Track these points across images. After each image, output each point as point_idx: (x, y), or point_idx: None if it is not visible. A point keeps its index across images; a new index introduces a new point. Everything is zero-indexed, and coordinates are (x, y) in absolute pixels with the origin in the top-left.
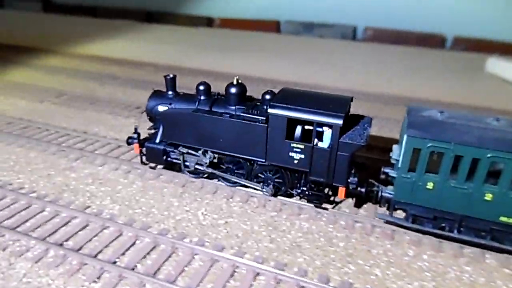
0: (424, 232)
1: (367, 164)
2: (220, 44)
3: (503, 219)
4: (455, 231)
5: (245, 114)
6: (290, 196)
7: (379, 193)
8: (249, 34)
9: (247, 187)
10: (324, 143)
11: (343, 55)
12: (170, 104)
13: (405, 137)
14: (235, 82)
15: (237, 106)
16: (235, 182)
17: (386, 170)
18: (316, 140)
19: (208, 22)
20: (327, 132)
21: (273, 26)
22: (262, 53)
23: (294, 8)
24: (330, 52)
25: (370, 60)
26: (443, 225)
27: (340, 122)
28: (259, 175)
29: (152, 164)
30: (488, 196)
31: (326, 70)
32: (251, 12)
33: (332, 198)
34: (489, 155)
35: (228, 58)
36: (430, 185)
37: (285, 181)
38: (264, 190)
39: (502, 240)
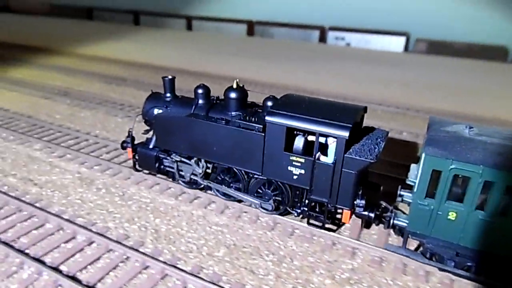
0: (444, 270)
1: (380, 184)
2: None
3: None
4: (483, 274)
5: (241, 121)
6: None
7: (391, 220)
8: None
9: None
10: (329, 158)
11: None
12: (166, 107)
13: (423, 156)
14: (234, 86)
15: (236, 112)
16: (231, 196)
17: (403, 192)
18: (319, 153)
19: None
20: (332, 145)
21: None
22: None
23: None
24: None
25: None
26: (469, 264)
27: (346, 134)
28: (258, 190)
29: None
30: None
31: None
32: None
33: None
34: None
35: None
36: (452, 216)
37: (284, 199)
38: (262, 207)
39: None
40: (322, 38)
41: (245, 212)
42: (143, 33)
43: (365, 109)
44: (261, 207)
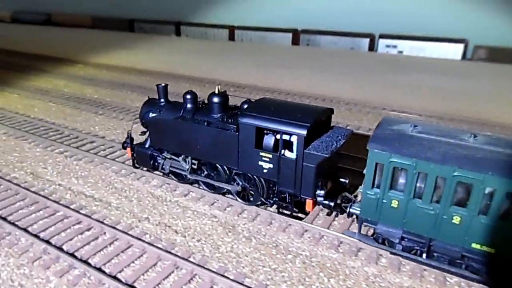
0: (394, 254)
1: (344, 177)
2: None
3: (475, 246)
4: (424, 256)
5: (219, 122)
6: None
7: (348, 209)
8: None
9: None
10: (293, 154)
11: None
12: (159, 111)
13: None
14: (216, 91)
15: (217, 115)
16: (214, 188)
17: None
18: (285, 150)
19: None
20: (295, 142)
21: None
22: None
23: None
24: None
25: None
26: (415, 247)
27: (304, 132)
28: (234, 183)
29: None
30: (456, 220)
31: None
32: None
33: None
34: (454, 174)
35: None
36: (394, 204)
37: (259, 191)
38: (230, 188)
39: (477, 269)
40: (372, 47)
41: (426, 270)
42: (185, 44)
43: (331, 110)
44: (235, 194)
